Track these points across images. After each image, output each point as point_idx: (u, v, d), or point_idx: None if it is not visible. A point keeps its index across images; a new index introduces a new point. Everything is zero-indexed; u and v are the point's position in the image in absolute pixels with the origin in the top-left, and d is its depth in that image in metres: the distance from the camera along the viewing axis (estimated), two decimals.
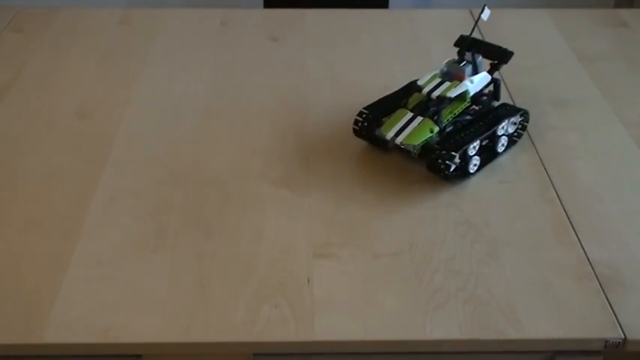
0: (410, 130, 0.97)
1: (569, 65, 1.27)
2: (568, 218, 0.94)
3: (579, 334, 0.79)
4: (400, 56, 1.29)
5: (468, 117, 1.02)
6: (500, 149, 1.03)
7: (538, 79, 1.23)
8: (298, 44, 1.33)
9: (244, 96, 1.18)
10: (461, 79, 0.99)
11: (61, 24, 1.38)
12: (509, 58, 1.03)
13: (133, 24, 1.39)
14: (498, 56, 1.03)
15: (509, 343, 0.78)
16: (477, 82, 1.00)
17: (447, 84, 0.99)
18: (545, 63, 1.28)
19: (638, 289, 0.84)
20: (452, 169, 0.96)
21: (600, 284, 0.84)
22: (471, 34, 1.04)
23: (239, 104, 1.15)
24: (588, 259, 0.88)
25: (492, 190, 0.98)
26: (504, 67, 1.05)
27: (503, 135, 1.02)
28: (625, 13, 1.45)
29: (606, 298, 0.83)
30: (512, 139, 1.05)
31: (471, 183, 0.99)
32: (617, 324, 0.79)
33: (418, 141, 0.96)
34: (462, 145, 0.96)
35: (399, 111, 1.00)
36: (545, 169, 1.02)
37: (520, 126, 1.06)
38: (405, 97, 1.04)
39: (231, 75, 1.23)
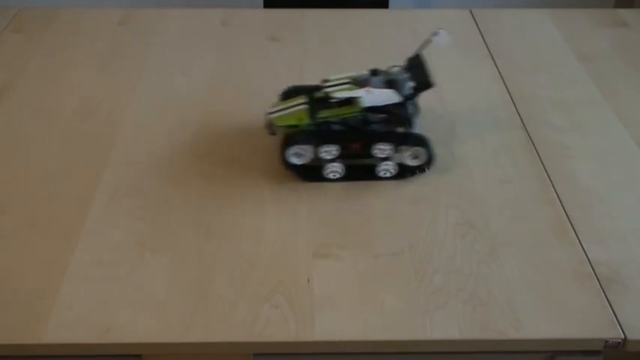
0: (284, 112, 0.97)
1: (569, 65, 1.27)
2: (568, 218, 0.94)
3: (579, 334, 0.79)
4: (400, 56, 1.29)
5: (375, 127, 0.97)
6: (384, 174, 0.98)
7: (538, 79, 1.23)
8: (298, 44, 1.33)
9: (244, 96, 1.18)
10: (364, 87, 0.96)
11: (61, 24, 1.38)
12: (425, 88, 0.98)
13: (132, 24, 1.39)
14: (418, 82, 0.98)
15: (509, 343, 0.78)
16: (375, 96, 0.95)
17: (347, 86, 0.96)
18: (545, 63, 1.28)
19: (638, 289, 0.84)
20: (294, 163, 0.96)
21: (600, 284, 0.84)
22: (417, 53, 1.01)
23: (239, 104, 1.15)
24: (588, 259, 0.88)
25: (492, 190, 0.98)
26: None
27: (387, 160, 0.98)
28: (625, 13, 1.45)
29: (606, 298, 0.83)
30: (412, 171, 1.00)
31: (471, 183, 0.99)
32: (617, 324, 0.79)
33: (281, 123, 0.96)
34: (316, 144, 0.95)
35: (299, 97, 0.99)
36: (545, 169, 1.02)
37: (422, 162, 0.99)
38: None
39: (231, 75, 1.23)
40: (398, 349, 0.79)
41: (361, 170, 0.99)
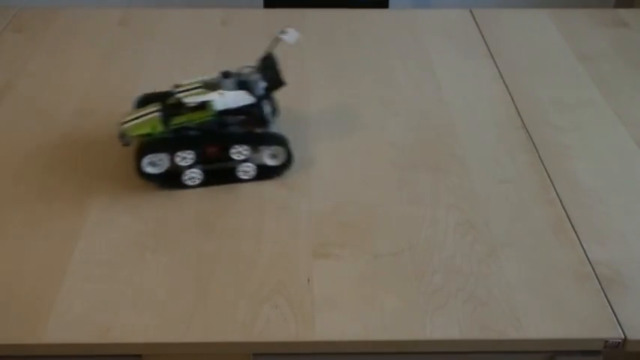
0: (137, 121, 0.95)
1: (569, 65, 1.27)
2: (568, 218, 0.94)
3: (579, 334, 0.79)
4: (400, 56, 1.29)
5: (233, 130, 0.97)
6: (245, 176, 0.98)
7: (538, 79, 1.23)
8: (298, 44, 1.33)
9: None
10: (216, 91, 0.95)
11: (61, 24, 1.38)
12: (276, 88, 0.98)
13: (132, 24, 1.39)
14: (270, 81, 0.98)
15: (509, 343, 0.78)
16: (229, 98, 0.94)
17: (199, 91, 0.95)
18: (545, 63, 1.28)
19: (638, 289, 0.84)
20: (150, 172, 0.95)
21: (600, 284, 0.84)
22: (267, 52, 1.00)
23: None
24: (588, 259, 0.88)
25: (492, 190, 0.98)
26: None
27: (246, 161, 0.97)
28: (625, 13, 1.45)
29: (606, 298, 0.83)
30: (272, 171, 0.99)
31: (471, 183, 0.99)
32: (617, 324, 0.79)
33: (134, 132, 0.94)
34: (171, 151, 0.94)
35: (153, 104, 0.97)
36: (545, 169, 1.02)
37: (282, 161, 0.99)
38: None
39: None
40: (398, 349, 0.79)
41: (221, 174, 0.98)
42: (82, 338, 0.77)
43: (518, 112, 1.14)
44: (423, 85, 1.20)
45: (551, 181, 1.00)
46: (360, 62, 1.27)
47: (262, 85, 0.97)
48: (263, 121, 0.98)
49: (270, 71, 0.99)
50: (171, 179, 0.97)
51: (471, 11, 1.45)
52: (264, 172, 0.99)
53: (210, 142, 0.96)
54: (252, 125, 0.98)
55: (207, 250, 0.88)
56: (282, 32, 0.99)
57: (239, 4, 1.61)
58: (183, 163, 0.95)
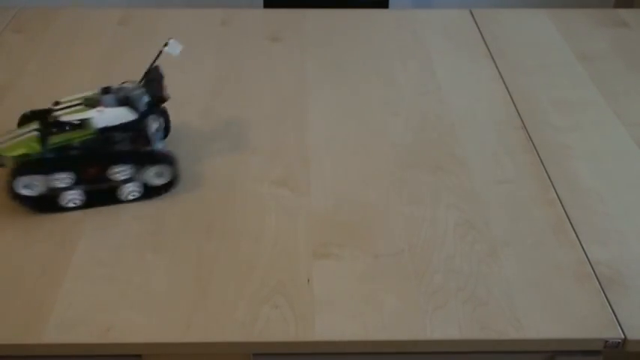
0: (13, 141, 0.90)
1: (569, 65, 1.27)
2: (568, 218, 0.94)
3: (579, 334, 0.79)
4: (400, 56, 1.29)
5: (121, 149, 0.93)
6: (130, 196, 0.94)
7: (538, 79, 1.23)
8: (298, 44, 1.33)
9: (244, 96, 1.18)
10: (97, 107, 0.92)
11: (61, 24, 1.38)
12: (160, 103, 0.95)
13: (132, 24, 1.39)
14: (153, 96, 0.94)
15: (509, 343, 0.78)
16: (108, 115, 0.90)
17: (78, 108, 0.92)
18: (545, 63, 1.28)
19: (638, 289, 0.84)
20: (25, 194, 0.90)
21: (600, 284, 0.84)
22: (152, 66, 0.97)
23: (239, 104, 1.15)
24: (588, 259, 0.88)
25: (492, 190, 0.98)
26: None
27: (130, 181, 0.93)
28: (625, 13, 1.45)
29: (606, 298, 0.83)
30: (157, 191, 0.95)
31: (471, 183, 0.99)
32: (617, 324, 0.79)
33: (10, 153, 0.89)
34: (47, 172, 0.90)
35: (32, 123, 0.93)
36: (545, 169, 1.02)
37: (167, 180, 0.95)
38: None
39: (231, 75, 1.23)
40: (398, 349, 0.79)
41: (104, 194, 0.94)
42: (82, 338, 0.77)
43: (518, 112, 1.14)
44: (423, 85, 1.20)
45: (551, 181, 1.00)
46: (360, 62, 1.27)
47: (145, 100, 0.93)
48: (147, 139, 0.93)
49: (154, 85, 0.95)
50: (48, 202, 0.92)
51: (470, 11, 1.45)
52: (150, 191, 0.95)
53: (91, 162, 0.92)
54: (139, 143, 0.93)
55: (207, 250, 0.88)
56: (165, 44, 0.95)
57: (239, 4, 1.61)
58: (61, 185, 0.91)
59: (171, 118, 1.10)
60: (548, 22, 1.41)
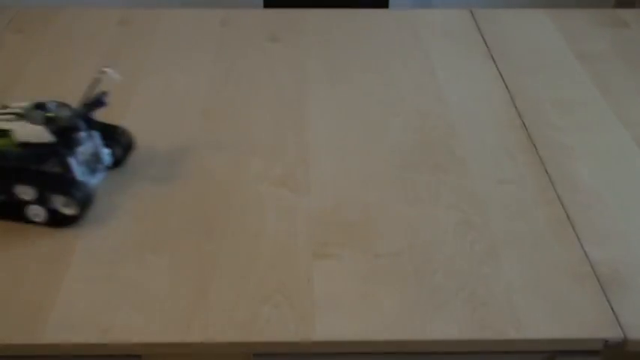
0: None
1: (569, 65, 1.27)
2: (568, 218, 0.94)
3: (579, 334, 0.79)
4: (400, 56, 1.29)
5: (38, 168, 0.90)
6: (36, 218, 0.89)
7: (538, 79, 1.23)
8: (298, 44, 1.33)
9: (244, 96, 1.18)
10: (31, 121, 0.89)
11: (61, 24, 1.38)
12: (72, 129, 0.91)
13: (132, 24, 1.39)
14: (66, 120, 0.90)
15: (509, 343, 0.78)
16: (27, 131, 0.88)
17: (10, 117, 0.90)
18: (545, 63, 1.28)
19: (638, 289, 0.84)
20: None
21: (600, 284, 0.84)
22: (87, 92, 0.93)
23: (239, 104, 1.15)
24: (588, 259, 0.88)
25: (492, 190, 0.98)
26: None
27: (34, 203, 0.88)
28: (625, 13, 1.45)
29: (606, 298, 0.83)
30: (65, 220, 0.90)
31: (471, 183, 0.99)
32: (617, 324, 0.79)
33: None
34: None
35: None
36: (545, 169, 1.02)
37: (74, 213, 0.89)
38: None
39: (231, 75, 1.23)
40: (398, 349, 0.79)
41: (12, 210, 0.89)
42: (82, 338, 0.77)
43: (518, 112, 1.14)
44: (423, 85, 1.20)
45: (551, 181, 1.00)
46: (360, 62, 1.27)
47: (75, 123, 0.90)
48: (64, 164, 0.90)
49: (90, 109, 0.92)
50: None
51: (471, 11, 1.45)
52: (58, 219, 0.89)
53: (1, 174, 0.89)
54: (58, 166, 0.90)
55: (207, 250, 0.88)
56: (101, 72, 0.93)
57: (239, 4, 1.60)
58: None
59: (171, 118, 1.10)
60: (548, 22, 1.41)
